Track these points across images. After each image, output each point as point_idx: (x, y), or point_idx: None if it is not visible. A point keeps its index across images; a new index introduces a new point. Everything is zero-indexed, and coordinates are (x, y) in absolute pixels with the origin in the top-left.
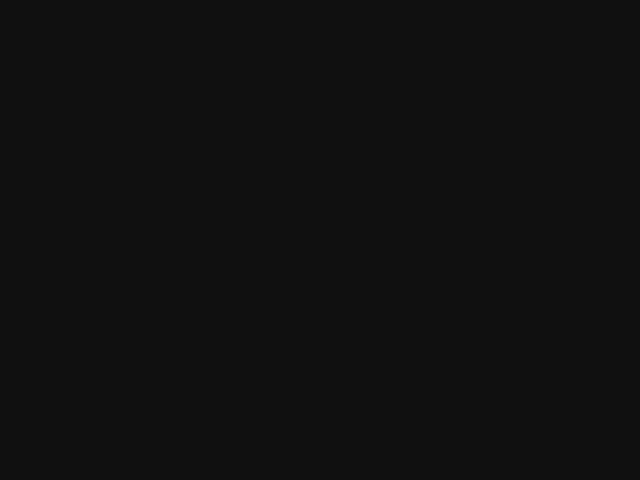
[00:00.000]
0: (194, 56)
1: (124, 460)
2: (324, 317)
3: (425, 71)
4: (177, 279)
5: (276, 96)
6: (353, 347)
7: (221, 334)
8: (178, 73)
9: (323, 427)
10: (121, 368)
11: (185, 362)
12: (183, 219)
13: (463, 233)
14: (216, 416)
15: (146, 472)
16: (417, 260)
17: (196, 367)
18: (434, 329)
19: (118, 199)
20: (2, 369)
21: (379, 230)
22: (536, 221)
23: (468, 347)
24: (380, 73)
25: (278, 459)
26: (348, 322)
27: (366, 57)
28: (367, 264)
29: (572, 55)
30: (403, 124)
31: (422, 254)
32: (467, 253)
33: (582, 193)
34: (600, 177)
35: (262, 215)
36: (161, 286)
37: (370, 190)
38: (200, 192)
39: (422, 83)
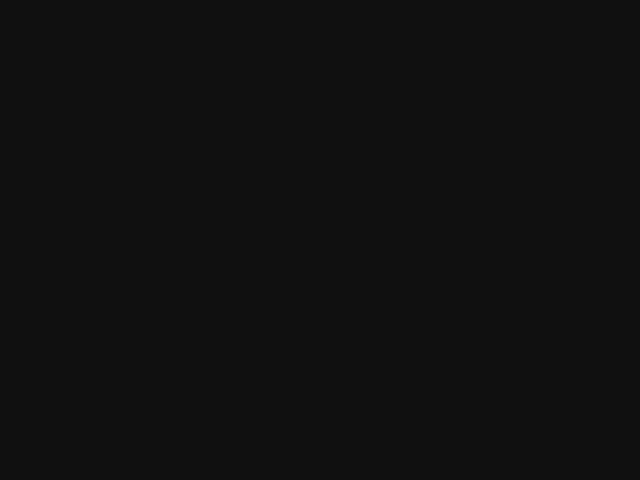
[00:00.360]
0: (194, 56)
1: (124, 460)
2: (324, 317)
3: (425, 71)
4: (177, 279)
5: (276, 96)
6: (353, 347)
7: (221, 334)
8: (178, 73)
9: (323, 427)
10: (121, 368)
11: (185, 362)
12: (183, 219)
13: (463, 233)
14: (216, 416)
15: (146, 472)
16: (417, 260)
17: (196, 367)
18: (434, 329)
19: (118, 199)
20: (2, 369)
21: (379, 230)
22: (536, 221)
23: (468, 347)
24: (380, 73)
25: (278, 459)
26: (348, 322)
27: (366, 57)
28: (367, 264)
29: (572, 55)
30: (403, 124)
31: (422, 254)
32: (467, 253)
33: (582, 193)
34: (600, 177)
35: (262, 215)
36: (161, 286)
37: (370, 190)
38: (200, 192)
39: (422, 83)
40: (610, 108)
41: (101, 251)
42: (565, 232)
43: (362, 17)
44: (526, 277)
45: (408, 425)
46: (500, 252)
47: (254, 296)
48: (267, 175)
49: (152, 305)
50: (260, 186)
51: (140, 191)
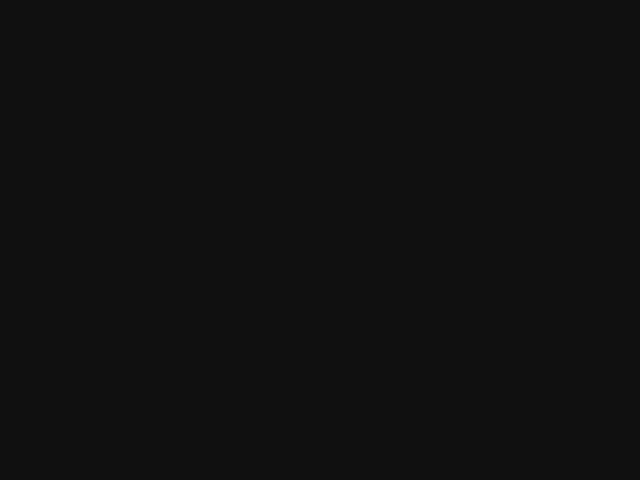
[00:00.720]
0: (194, 56)
1: (124, 460)
2: (324, 317)
3: (425, 71)
4: (177, 279)
5: (276, 96)
6: (353, 347)
7: (221, 334)
8: (178, 73)
9: (323, 427)
10: (121, 368)
11: (185, 362)
12: (183, 219)
13: (463, 233)
14: (216, 416)
15: (146, 472)
16: (417, 260)
17: (196, 367)
18: (434, 329)
19: (118, 199)
20: (2, 369)
21: (379, 230)
22: (536, 221)
23: (468, 347)
24: (380, 73)
25: (278, 459)
26: (348, 322)
27: (366, 57)
28: (367, 264)
29: (572, 55)
30: (403, 124)
31: (422, 254)
32: (467, 253)
33: (582, 193)
34: (600, 177)
35: (262, 215)
36: (161, 286)
37: (370, 190)
38: (200, 192)
39: (422, 83)
40: (610, 108)
41: (101, 251)
42: (565, 232)
43: (362, 17)
44: (526, 277)
45: (408, 425)
46: (500, 252)
47: (254, 296)
48: (267, 175)
49: (152, 305)
50: (260, 186)
51: (140, 191)
